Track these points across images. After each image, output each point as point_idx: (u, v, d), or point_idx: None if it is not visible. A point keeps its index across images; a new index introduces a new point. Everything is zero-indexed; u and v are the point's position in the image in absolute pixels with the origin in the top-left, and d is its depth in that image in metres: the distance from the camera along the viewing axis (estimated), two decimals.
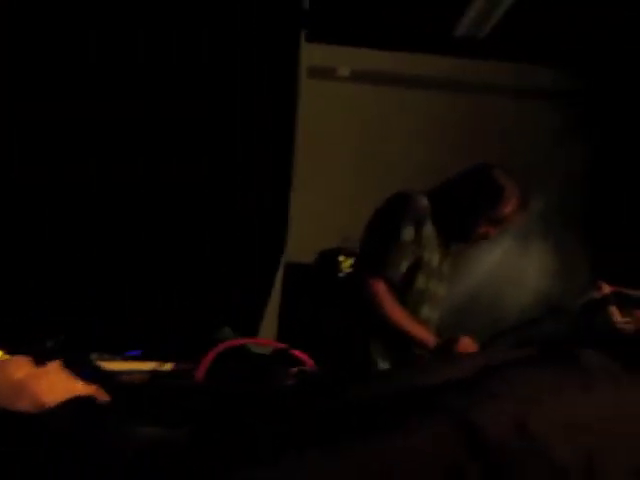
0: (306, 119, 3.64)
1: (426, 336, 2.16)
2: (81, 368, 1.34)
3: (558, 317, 1.16)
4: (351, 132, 3.98)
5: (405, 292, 2.18)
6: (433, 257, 2.24)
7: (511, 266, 3.85)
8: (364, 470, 0.65)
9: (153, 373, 1.21)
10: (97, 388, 0.84)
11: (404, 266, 2.15)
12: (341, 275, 3.69)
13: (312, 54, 3.73)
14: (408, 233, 2.13)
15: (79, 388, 0.81)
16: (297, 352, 1.17)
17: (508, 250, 3.83)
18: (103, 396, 0.84)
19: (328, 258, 3.69)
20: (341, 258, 3.72)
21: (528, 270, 3.88)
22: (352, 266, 2.67)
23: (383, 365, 2.20)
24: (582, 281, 3.76)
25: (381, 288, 2.12)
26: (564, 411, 0.75)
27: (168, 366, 1.37)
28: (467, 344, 2.15)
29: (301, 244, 3.63)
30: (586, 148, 3.79)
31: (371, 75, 3.97)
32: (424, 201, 2.18)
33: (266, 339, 1.25)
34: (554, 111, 3.92)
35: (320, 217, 3.75)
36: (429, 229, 2.18)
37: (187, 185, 3.09)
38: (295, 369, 1.08)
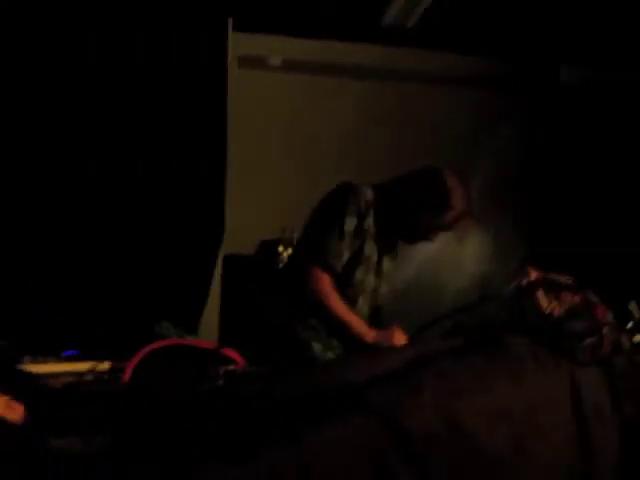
0: (238, 109, 3.60)
1: (365, 330, 2.15)
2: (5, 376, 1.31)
3: (489, 303, 1.20)
4: (284, 122, 3.96)
5: (344, 284, 2.18)
6: (373, 251, 2.24)
7: (449, 252, 3.94)
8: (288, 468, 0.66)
9: (79, 376, 1.18)
10: (7, 400, 0.82)
11: (345, 257, 2.15)
12: (281, 265, 3.69)
13: (242, 43, 3.68)
14: (350, 223, 2.13)
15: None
16: (228, 351, 1.16)
17: (445, 236, 3.91)
18: (13, 409, 0.81)
19: (267, 249, 3.68)
20: (280, 248, 3.72)
21: (465, 255, 3.98)
22: (291, 255, 2.62)
23: (321, 354, 2.21)
24: (517, 266, 3.90)
25: (325, 279, 2.12)
26: (494, 401, 0.78)
27: (105, 365, 1.34)
28: (398, 335, 2.14)
29: (239, 236, 3.60)
30: (517, 134, 3.90)
31: (302, 64, 3.95)
32: (369, 193, 2.17)
33: (195, 339, 1.23)
34: (483, 99, 4.01)
35: (257, 208, 3.73)
36: (371, 222, 2.19)
37: (121, 180, 3.03)
38: (224, 369, 1.07)
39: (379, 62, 3.95)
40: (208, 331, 3.23)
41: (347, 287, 2.20)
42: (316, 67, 3.96)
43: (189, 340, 1.22)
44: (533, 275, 1.25)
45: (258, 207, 3.76)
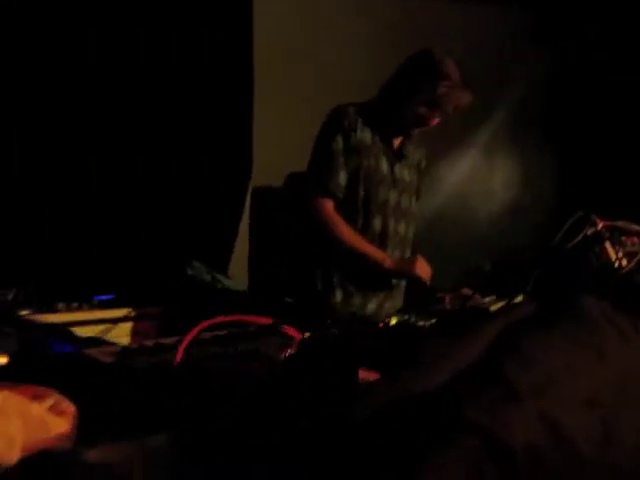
0: (261, 33, 3.44)
1: (380, 255, 2.15)
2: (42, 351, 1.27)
3: (549, 256, 1.12)
4: (309, 46, 3.79)
5: (353, 204, 2.17)
6: (380, 163, 2.20)
7: (478, 178, 3.84)
8: None
9: (124, 351, 1.12)
10: (56, 400, 0.75)
11: (342, 177, 2.13)
12: None
13: None
14: (336, 143, 2.12)
15: (34, 415, 0.71)
16: (287, 328, 1.11)
17: (474, 163, 3.81)
18: (63, 407, 0.75)
19: (296, 180, 3.59)
20: None
21: (494, 181, 3.88)
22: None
23: (339, 295, 2.19)
24: (548, 189, 3.81)
25: (327, 207, 2.12)
26: (583, 387, 0.72)
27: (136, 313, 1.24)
28: (421, 265, 2.17)
29: (267, 167, 3.51)
30: (544, 54, 3.70)
31: None
32: (350, 109, 2.16)
33: (253, 316, 1.17)
34: (510, 17, 3.79)
35: (283, 138, 3.62)
36: (364, 135, 2.16)
37: (149, 114, 2.94)
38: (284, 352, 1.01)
39: None
40: (238, 268, 3.21)
41: (358, 207, 2.17)
42: None
43: (247, 317, 1.16)
44: (599, 223, 1.16)
45: (285, 138, 3.65)
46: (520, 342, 0.81)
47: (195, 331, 1.00)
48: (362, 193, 2.16)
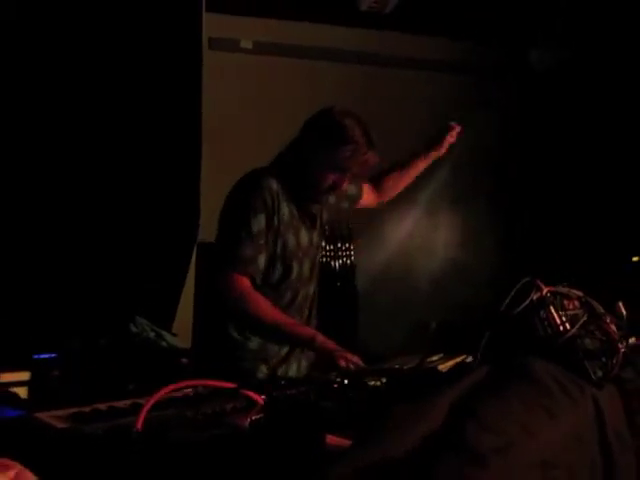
0: (209, 92, 3.50)
1: (308, 333, 2.01)
2: None
3: (494, 322, 1.17)
4: (255, 105, 3.88)
5: (268, 281, 2.06)
6: (300, 237, 2.11)
7: (421, 236, 3.95)
8: None
9: (77, 416, 1.08)
10: (18, 472, 0.73)
11: (262, 260, 2.00)
12: None
13: (213, 25, 3.57)
14: (258, 223, 1.99)
15: None
16: (248, 392, 1.10)
17: (418, 221, 3.92)
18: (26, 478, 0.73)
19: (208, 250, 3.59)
20: None
21: (437, 240, 4.00)
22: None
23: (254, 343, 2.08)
24: (490, 247, 3.94)
25: (244, 284, 1.97)
26: (537, 448, 0.76)
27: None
28: (350, 359, 1.92)
29: (212, 222, 3.51)
30: (495, 120, 3.89)
31: (274, 47, 3.87)
32: (272, 184, 2.02)
33: (214, 380, 1.16)
34: (459, 83, 3.99)
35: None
36: (284, 211, 2.05)
37: (93, 167, 2.91)
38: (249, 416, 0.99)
39: (353, 46, 3.89)
40: (182, 325, 3.16)
41: (283, 286, 2.07)
42: (287, 50, 3.88)
43: (208, 382, 1.14)
44: (544, 289, 1.23)
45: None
46: (477, 407, 0.84)
47: (157, 396, 0.98)
48: (279, 270, 2.07)
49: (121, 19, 2.97)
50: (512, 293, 1.23)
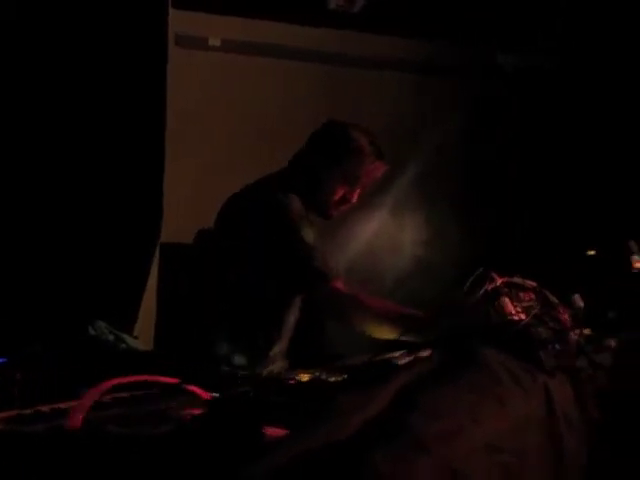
0: (174, 90, 3.46)
1: (415, 312, 1.86)
2: None
3: (451, 310, 1.17)
4: (222, 104, 3.85)
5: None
6: None
7: (387, 235, 3.95)
8: None
9: (17, 418, 1.04)
10: None
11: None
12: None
13: (181, 21, 3.54)
14: (307, 235, 1.97)
15: None
16: (191, 387, 1.07)
17: (384, 220, 3.92)
18: None
19: (208, 237, 3.56)
20: None
21: (403, 239, 4.00)
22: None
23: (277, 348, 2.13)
24: (455, 250, 3.96)
25: (344, 287, 1.94)
26: (485, 434, 0.75)
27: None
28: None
29: (176, 223, 3.47)
30: (461, 120, 3.92)
31: (243, 45, 3.84)
32: (299, 207, 2.00)
33: (155, 376, 1.13)
34: (429, 84, 4.01)
35: (195, 193, 3.60)
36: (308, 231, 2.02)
37: (49, 170, 2.85)
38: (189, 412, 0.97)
39: (321, 45, 3.88)
40: (145, 328, 3.11)
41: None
42: (256, 48, 3.85)
43: (149, 377, 1.11)
44: (498, 280, 1.23)
45: (196, 192, 3.63)
46: (426, 394, 0.84)
47: (96, 393, 0.95)
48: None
49: (84, 13, 2.92)
50: (467, 284, 1.23)
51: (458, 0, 3.78)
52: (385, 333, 1.83)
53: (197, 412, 0.97)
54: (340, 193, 2.05)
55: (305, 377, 1.42)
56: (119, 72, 3.03)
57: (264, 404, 1.03)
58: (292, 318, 2.20)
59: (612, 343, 1.28)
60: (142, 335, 2.98)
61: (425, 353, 1.56)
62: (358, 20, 3.77)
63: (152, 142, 3.21)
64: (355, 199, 2.13)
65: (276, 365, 2.17)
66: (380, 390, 0.83)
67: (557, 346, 1.14)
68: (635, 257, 1.52)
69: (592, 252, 1.73)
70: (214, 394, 1.08)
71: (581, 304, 1.41)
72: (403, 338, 1.63)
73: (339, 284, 1.95)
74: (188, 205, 3.52)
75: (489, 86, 4.12)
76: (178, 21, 3.55)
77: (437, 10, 3.74)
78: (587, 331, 1.41)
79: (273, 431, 0.85)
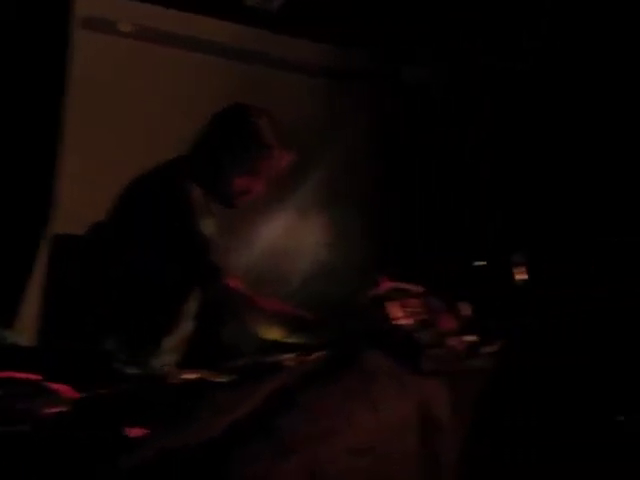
0: (78, 75, 3.31)
1: (306, 314, 1.82)
2: None
3: (341, 315, 1.17)
4: (128, 92, 3.72)
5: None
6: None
7: (291, 237, 3.95)
8: None
9: None
10: None
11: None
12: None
13: (89, 3, 3.39)
14: (207, 226, 1.90)
15: None
16: (56, 385, 1.01)
17: (289, 221, 3.92)
18: None
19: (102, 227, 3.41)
20: None
21: (307, 242, 4.01)
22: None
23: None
24: (359, 253, 4.02)
25: (235, 283, 1.87)
26: (357, 436, 0.75)
27: None
28: None
29: (73, 213, 3.30)
30: (368, 123, 3.98)
31: (154, 33, 3.73)
32: (196, 190, 1.91)
33: (21, 373, 1.06)
34: (339, 88, 4.05)
35: (93, 185, 3.45)
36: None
37: None
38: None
39: (237, 42, 3.84)
40: (27, 323, 2.93)
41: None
42: (168, 38, 3.75)
43: (12, 374, 1.04)
44: (384, 285, 1.24)
45: (94, 183, 3.47)
46: (301, 396, 0.83)
47: None
48: None
49: None
50: (356, 289, 1.24)
51: (374, 9, 3.83)
52: (276, 334, 1.80)
53: (57, 411, 0.91)
54: (241, 182, 1.98)
55: (191, 376, 1.37)
56: (12, 53, 2.85)
57: (134, 403, 0.99)
58: (188, 311, 2.13)
59: (492, 349, 1.32)
60: (27, 330, 2.82)
61: (315, 355, 1.56)
62: (274, 20, 3.76)
63: (47, 130, 3.05)
64: (259, 190, 2.04)
65: (166, 359, 2.11)
66: (254, 391, 0.82)
67: (438, 351, 1.17)
68: (517, 269, 1.59)
69: (481, 263, 1.79)
70: (82, 393, 1.02)
71: (468, 312, 1.45)
72: (292, 340, 1.62)
73: (233, 282, 1.88)
74: (85, 197, 3.36)
75: (394, 93, 4.22)
76: (86, 2, 3.40)
77: (352, 18, 3.78)
78: (471, 337, 1.45)
79: (137, 431, 0.81)
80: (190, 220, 1.88)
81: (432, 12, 3.75)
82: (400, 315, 1.23)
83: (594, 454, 1.57)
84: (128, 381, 1.21)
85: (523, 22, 3.70)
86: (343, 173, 3.92)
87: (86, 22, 3.49)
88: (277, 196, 3.64)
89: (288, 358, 1.56)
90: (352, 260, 3.76)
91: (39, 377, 1.04)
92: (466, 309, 1.45)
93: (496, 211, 3.60)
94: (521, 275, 1.70)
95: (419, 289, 1.32)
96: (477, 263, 1.75)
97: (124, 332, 2.00)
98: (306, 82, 4.01)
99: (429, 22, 3.86)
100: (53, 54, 3.09)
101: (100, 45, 3.53)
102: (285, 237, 3.79)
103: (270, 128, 2.00)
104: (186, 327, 2.14)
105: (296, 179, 3.65)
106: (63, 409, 0.92)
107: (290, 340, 1.63)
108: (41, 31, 2.99)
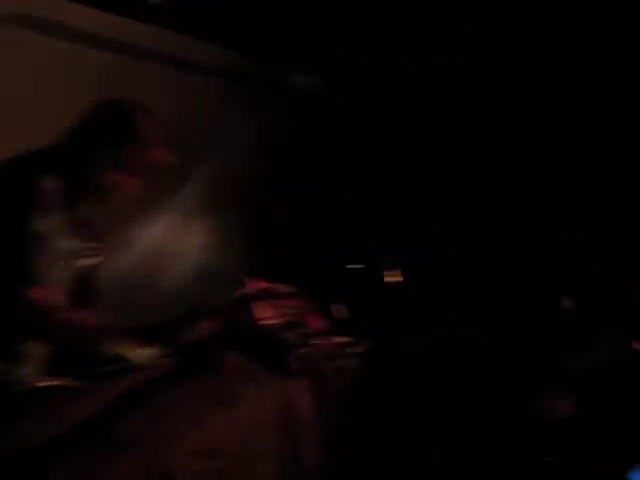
0: None
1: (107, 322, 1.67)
2: None
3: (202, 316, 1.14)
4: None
5: None
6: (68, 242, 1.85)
7: (172, 239, 3.86)
8: None
9: None
10: None
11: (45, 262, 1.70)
12: None
13: None
14: (42, 224, 1.71)
15: None
16: None
17: (170, 223, 3.83)
18: None
19: None
20: None
21: (188, 244, 3.94)
22: None
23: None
24: (244, 264, 3.99)
25: (40, 294, 1.60)
26: (207, 438, 0.73)
27: None
28: None
29: None
30: (261, 129, 3.96)
31: (30, 20, 3.51)
32: (49, 184, 1.75)
33: None
34: (224, 90, 4.02)
35: None
36: (60, 215, 1.79)
37: None
38: None
39: (116, 33, 3.70)
40: None
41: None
42: (44, 25, 3.54)
43: None
44: (251, 286, 1.22)
45: None
46: (149, 397, 0.80)
47: None
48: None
49: None
50: (222, 289, 1.21)
51: (265, 15, 3.84)
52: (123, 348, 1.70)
53: None
54: (114, 178, 1.85)
55: (45, 383, 1.29)
56: None
57: None
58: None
59: (359, 349, 1.34)
60: None
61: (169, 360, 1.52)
62: (169, 17, 3.67)
63: None
64: (134, 187, 1.91)
65: (29, 368, 1.96)
66: (97, 393, 0.78)
67: (305, 351, 1.17)
68: (386, 272, 1.63)
69: (357, 266, 1.82)
70: None
71: (343, 313, 1.46)
72: (117, 351, 1.49)
73: (40, 293, 1.62)
74: None
75: (288, 98, 4.25)
76: None
77: (242, 22, 3.78)
78: (342, 338, 1.46)
79: None
80: (24, 214, 1.69)
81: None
82: (268, 315, 1.22)
83: (463, 453, 1.63)
84: None
85: (464, 15, 3.77)
86: (228, 175, 3.89)
87: None
88: (159, 197, 3.55)
89: (143, 363, 1.49)
90: (232, 262, 3.73)
91: None
92: (341, 310, 1.47)
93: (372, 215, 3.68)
94: (394, 277, 1.74)
95: (290, 290, 1.32)
96: (351, 266, 1.77)
97: None
98: (199, 82, 3.95)
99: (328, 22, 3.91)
100: None
101: None
102: (166, 239, 3.70)
103: (148, 125, 1.89)
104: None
105: (179, 180, 3.57)
106: None
107: (142, 353, 1.53)
108: None
